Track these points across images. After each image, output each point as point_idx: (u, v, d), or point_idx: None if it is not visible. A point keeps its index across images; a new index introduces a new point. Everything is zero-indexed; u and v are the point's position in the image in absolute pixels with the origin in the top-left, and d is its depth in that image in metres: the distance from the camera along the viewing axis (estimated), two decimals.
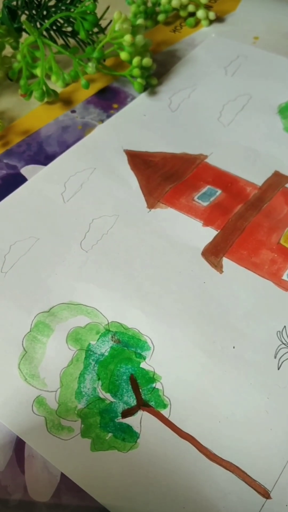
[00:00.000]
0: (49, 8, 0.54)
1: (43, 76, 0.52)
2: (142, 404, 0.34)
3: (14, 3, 0.54)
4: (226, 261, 0.40)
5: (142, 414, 0.34)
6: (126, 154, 0.49)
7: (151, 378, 0.35)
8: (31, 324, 0.38)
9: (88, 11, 0.52)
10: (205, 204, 0.44)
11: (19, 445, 0.33)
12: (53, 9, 0.54)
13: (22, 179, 0.47)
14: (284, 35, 0.61)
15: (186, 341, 0.36)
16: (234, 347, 0.36)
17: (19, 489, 0.31)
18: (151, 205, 0.44)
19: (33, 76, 0.56)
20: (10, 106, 0.54)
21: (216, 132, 0.51)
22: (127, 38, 0.50)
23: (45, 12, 0.54)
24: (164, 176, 0.46)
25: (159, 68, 0.57)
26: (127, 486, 0.31)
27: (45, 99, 0.53)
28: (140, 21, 0.54)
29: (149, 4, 0.63)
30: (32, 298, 0.39)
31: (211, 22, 0.63)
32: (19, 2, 0.54)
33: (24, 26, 0.54)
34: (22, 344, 0.37)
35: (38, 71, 0.53)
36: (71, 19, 0.54)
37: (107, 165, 0.47)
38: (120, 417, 0.34)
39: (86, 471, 0.32)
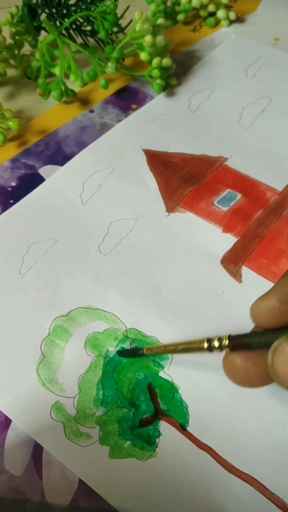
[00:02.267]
0: (69, 7, 0.53)
1: (62, 76, 0.51)
2: (161, 414, 0.34)
3: (34, 1, 0.53)
4: (245, 270, 0.40)
5: (160, 424, 0.34)
6: (145, 154, 0.48)
7: (169, 388, 0.35)
8: (49, 328, 0.37)
9: (109, 11, 0.51)
10: (225, 209, 0.44)
11: (37, 451, 0.33)
12: (73, 8, 0.53)
13: (40, 179, 0.47)
14: None
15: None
16: None
17: (37, 495, 0.31)
18: (170, 208, 0.44)
19: (51, 74, 0.55)
20: (28, 105, 0.54)
21: (236, 135, 0.50)
22: (148, 38, 0.50)
23: (65, 11, 0.53)
24: (183, 178, 0.46)
25: (178, 69, 0.57)
26: (145, 494, 0.31)
27: (64, 99, 0.52)
28: (160, 21, 0.54)
29: (169, 4, 0.62)
30: (50, 301, 0.39)
31: (231, 22, 0.62)
32: (39, 1, 0.53)
33: (43, 25, 0.54)
34: (41, 349, 0.36)
35: (56, 70, 0.53)
36: (91, 18, 0.53)
37: (126, 165, 0.47)
38: (138, 426, 0.33)
39: (104, 478, 0.32)
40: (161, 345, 0.35)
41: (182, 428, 0.33)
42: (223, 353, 0.30)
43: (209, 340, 0.31)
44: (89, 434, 0.33)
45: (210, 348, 0.30)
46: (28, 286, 0.39)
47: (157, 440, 0.33)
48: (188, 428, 0.33)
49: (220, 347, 0.30)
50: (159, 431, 0.33)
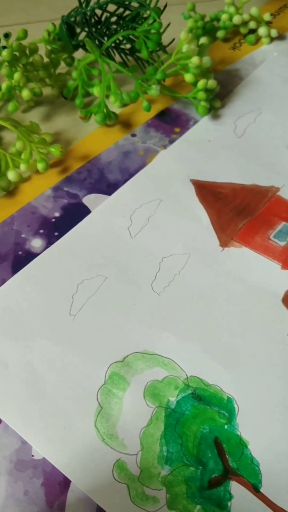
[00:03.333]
0: (110, 25, 0.51)
1: (104, 98, 0.49)
2: (230, 473, 0.32)
3: (73, 19, 0.51)
4: None
5: (231, 484, 0.31)
6: (193, 185, 0.46)
7: (237, 442, 0.33)
8: (105, 376, 0.35)
9: (152, 30, 0.49)
10: (282, 243, 0.41)
11: None
12: (114, 26, 0.51)
13: (84, 210, 0.44)
14: None
15: (273, 403, 0.34)
16: None
17: None
18: (224, 243, 0.42)
19: (87, 94, 0.53)
20: (65, 127, 0.52)
21: (286, 162, 0.48)
22: (195, 60, 0.48)
23: (104, 30, 0.51)
24: (235, 210, 0.44)
25: (220, 89, 0.54)
26: None
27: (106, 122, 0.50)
28: (203, 40, 0.52)
29: (207, 19, 0.60)
30: (104, 345, 0.37)
31: (272, 39, 0.60)
32: (78, 19, 0.51)
33: (83, 44, 0.52)
34: (97, 399, 0.34)
35: (95, 91, 0.50)
36: (131, 37, 0.51)
37: (174, 196, 0.45)
38: (208, 487, 0.31)
39: None
40: None
41: (255, 489, 0.31)
42: None
43: None
44: (155, 497, 0.31)
45: None
46: (79, 328, 0.37)
47: (228, 503, 0.31)
48: (261, 489, 0.31)
49: None
50: (230, 493, 0.31)
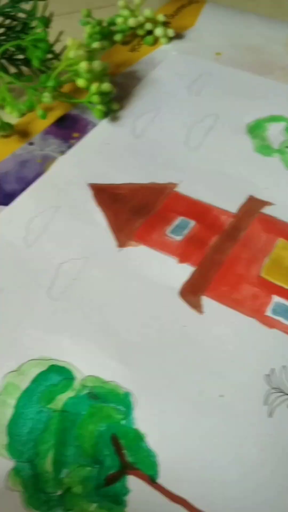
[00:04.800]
0: None
1: None
2: (127, 467, 0.31)
3: None
4: (206, 300, 0.38)
5: (128, 479, 0.31)
6: (91, 189, 0.46)
7: (134, 436, 0.33)
8: (0, 387, 0.35)
9: (40, 38, 0.49)
10: (179, 238, 0.42)
11: None
12: (3, 37, 0.51)
13: None
14: (248, 49, 0.59)
15: (170, 392, 0.34)
16: (221, 396, 0.34)
17: None
18: (121, 243, 0.42)
19: None
20: None
21: (184, 158, 0.49)
22: (83, 65, 0.48)
23: None
24: (133, 210, 0.44)
25: (120, 92, 0.55)
26: None
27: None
28: (95, 44, 0.52)
29: (104, 24, 0.60)
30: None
31: (170, 39, 0.61)
32: None
33: None
34: None
35: None
36: (22, 47, 0.51)
37: (71, 202, 0.45)
38: (104, 484, 0.31)
39: None
40: None
41: (152, 480, 0.31)
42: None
43: None
44: (51, 500, 0.30)
45: None
46: None
47: (125, 498, 0.30)
48: (158, 480, 0.31)
49: None
50: (126, 488, 0.31)
